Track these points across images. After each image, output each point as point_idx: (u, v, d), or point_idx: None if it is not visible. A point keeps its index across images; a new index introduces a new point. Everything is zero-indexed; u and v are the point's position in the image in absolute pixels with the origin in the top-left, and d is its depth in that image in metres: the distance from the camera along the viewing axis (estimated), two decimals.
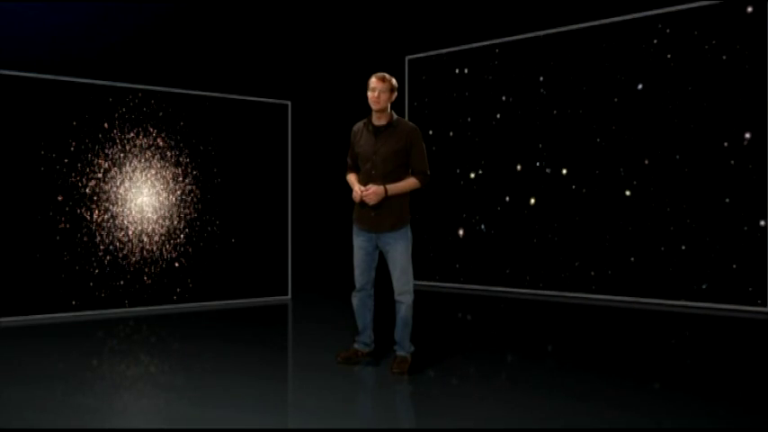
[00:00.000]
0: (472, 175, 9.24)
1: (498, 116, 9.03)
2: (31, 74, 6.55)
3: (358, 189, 4.51)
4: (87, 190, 6.80)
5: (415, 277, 9.18)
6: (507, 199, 8.94)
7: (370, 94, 4.49)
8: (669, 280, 7.60)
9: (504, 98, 9.00)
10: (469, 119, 9.30)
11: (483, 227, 9.10)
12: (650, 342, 5.72)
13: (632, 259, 7.85)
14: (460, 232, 9.31)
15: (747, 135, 7.21)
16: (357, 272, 4.68)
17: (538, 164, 8.68)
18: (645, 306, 7.55)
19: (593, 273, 8.15)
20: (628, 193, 7.92)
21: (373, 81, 4.50)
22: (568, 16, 8.46)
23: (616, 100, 8.08)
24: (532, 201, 8.68)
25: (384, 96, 4.47)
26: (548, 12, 8.68)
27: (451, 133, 9.46)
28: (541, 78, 8.68)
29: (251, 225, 7.86)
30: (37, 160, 6.54)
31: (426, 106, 9.72)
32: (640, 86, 7.89)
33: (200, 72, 9.11)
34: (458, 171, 9.36)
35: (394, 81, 4.54)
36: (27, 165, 6.48)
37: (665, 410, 3.74)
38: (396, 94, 4.54)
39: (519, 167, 8.81)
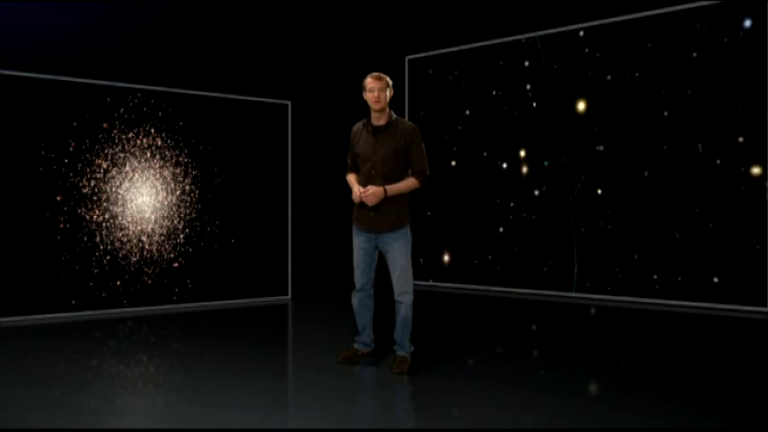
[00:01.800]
0: (505, 165, 8.83)
1: (528, 87, 8.38)
2: (31, 74, 6.55)
3: (357, 190, 4.52)
4: (87, 190, 6.80)
5: (417, 277, 9.18)
6: (541, 190, 8.32)
7: (369, 95, 4.49)
8: (668, 279, 7.60)
9: (534, 64, 8.40)
10: (499, 92, 8.79)
11: (501, 229, 8.79)
12: (650, 342, 5.72)
13: (635, 257, 7.87)
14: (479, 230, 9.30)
15: None
16: (357, 272, 4.68)
17: (582, 145, 7.89)
18: (645, 306, 7.55)
19: (595, 273, 8.15)
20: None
21: (370, 82, 4.50)
22: (570, 15, 8.46)
23: (695, 55, 6.48)
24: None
25: (383, 95, 4.47)
26: (548, 10, 8.68)
27: (470, 113, 9.12)
28: (582, 33, 7.72)
29: (251, 225, 7.85)
30: (37, 160, 6.53)
31: (456, 80, 9.29)
32: (748, 23, 6.10)
33: (200, 72, 9.10)
34: (496, 160, 9.28)
35: (388, 78, 4.55)
36: (27, 165, 6.48)
37: (665, 410, 3.73)
38: (392, 91, 4.55)
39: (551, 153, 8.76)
